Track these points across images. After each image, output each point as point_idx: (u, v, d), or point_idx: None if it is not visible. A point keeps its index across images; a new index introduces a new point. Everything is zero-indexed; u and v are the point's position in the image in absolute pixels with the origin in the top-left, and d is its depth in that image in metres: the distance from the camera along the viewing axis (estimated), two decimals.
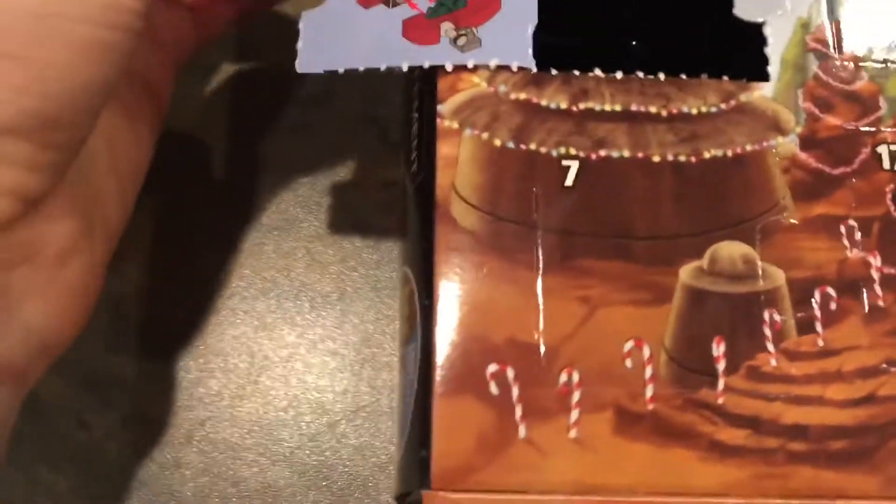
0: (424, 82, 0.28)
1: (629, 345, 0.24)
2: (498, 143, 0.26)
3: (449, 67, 0.26)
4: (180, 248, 0.33)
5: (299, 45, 0.26)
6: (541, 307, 0.25)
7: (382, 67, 0.26)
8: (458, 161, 0.26)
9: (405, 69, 0.26)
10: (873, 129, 0.27)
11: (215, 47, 0.35)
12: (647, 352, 0.24)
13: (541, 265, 0.25)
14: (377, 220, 0.34)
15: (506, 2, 0.27)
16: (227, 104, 0.36)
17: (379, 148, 0.35)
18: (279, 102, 0.36)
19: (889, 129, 0.27)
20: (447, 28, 0.27)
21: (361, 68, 0.26)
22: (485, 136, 0.26)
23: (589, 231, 0.26)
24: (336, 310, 0.33)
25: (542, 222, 0.25)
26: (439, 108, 0.26)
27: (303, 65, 0.26)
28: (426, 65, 0.26)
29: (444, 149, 0.26)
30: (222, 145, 0.34)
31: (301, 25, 0.27)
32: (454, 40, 0.27)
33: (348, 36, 0.27)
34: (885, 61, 0.28)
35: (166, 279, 0.33)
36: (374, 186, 0.34)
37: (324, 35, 0.27)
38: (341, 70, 0.26)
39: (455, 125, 0.26)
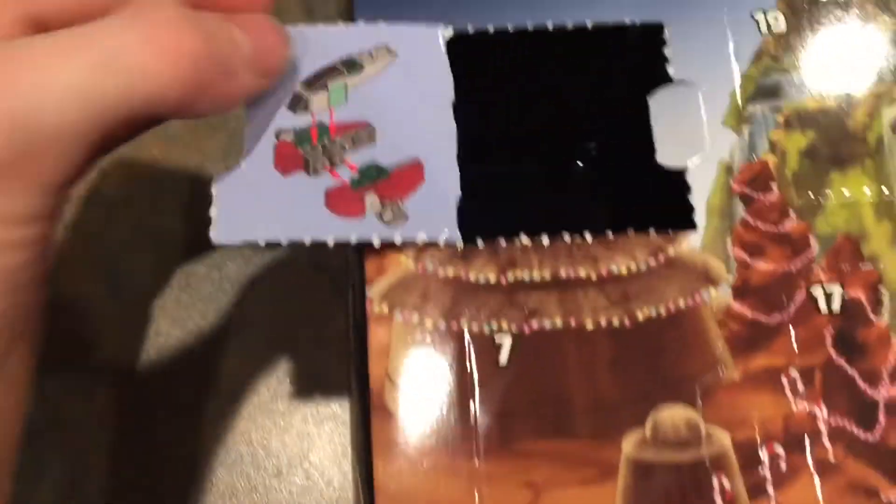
0: (354, 256, 0.27)
1: None
2: (429, 325, 0.26)
3: (376, 243, 0.26)
4: (140, 422, 0.33)
5: (212, 212, 0.25)
6: (482, 499, 0.24)
7: (307, 241, 0.26)
8: (391, 347, 0.26)
9: (331, 244, 0.26)
10: (806, 270, 0.27)
11: (165, 213, 0.35)
12: None
13: (481, 452, 0.25)
14: (336, 373, 0.34)
15: (429, 173, 0.27)
16: (179, 264, 0.36)
17: (330, 297, 0.35)
18: (226, 258, 0.36)
19: (822, 270, 0.26)
20: (372, 201, 0.27)
21: (284, 241, 0.26)
22: (415, 318, 0.26)
23: (528, 410, 0.25)
24: (300, 474, 0.32)
25: (479, 406, 0.25)
26: (368, 292, 0.26)
27: (219, 235, 0.26)
28: (353, 240, 0.26)
29: (375, 335, 0.26)
30: (177, 311, 0.34)
31: (214, 191, 0.25)
32: (380, 214, 0.26)
33: (267, 204, 0.26)
34: (814, 197, 0.27)
35: (127, 456, 0.33)
36: (330, 338, 0.34)
37: (240, 202, 0.26)
38: (262, 242, 0.26)
39: (385, 309, 0.26)
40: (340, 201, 0.26)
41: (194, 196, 0.37)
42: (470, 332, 0.26)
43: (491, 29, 0.29)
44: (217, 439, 0.33)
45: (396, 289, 0.26)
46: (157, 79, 0.20)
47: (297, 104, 0.27)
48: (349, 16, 0.29)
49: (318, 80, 0.27)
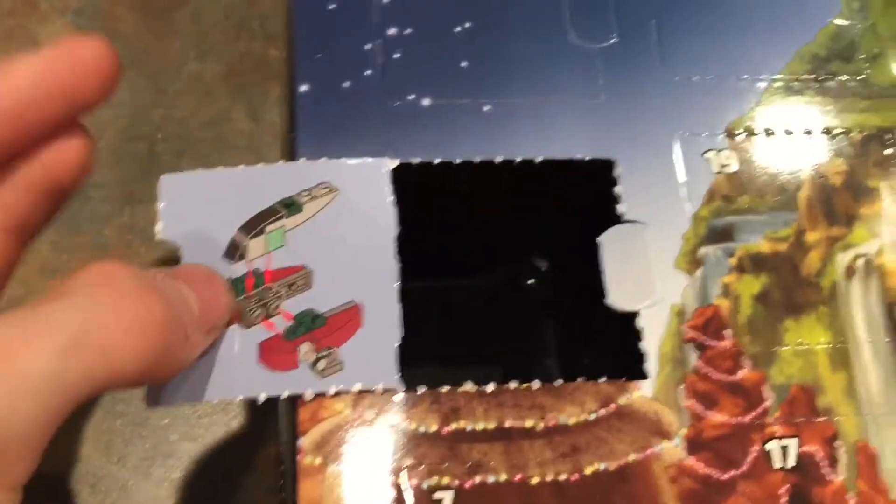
0: (286, 406, 0.26)
1: None
2: (366, 479, 0.24)
3: (309, 396, 0.25)
4: None
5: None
6: None
7: (238, 399, 0.25)
8: (323, 503, 0.24)
9: (261, 401, 0.24)
10: (760, 423, 0.25)
11: None
12: None
13: None
14: None
15: (368, 318, 0.26)
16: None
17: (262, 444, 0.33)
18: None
19: (777, 423, 0.25)
20: (306, 350, 0.25)
21: (215, 400, 0.25)
22: (351, 472, 0.24)
23: None
24: None
25: None
26: (300, 441, 0.24)
27: (152, 399, 0.24)
28: (284, 394, 0.24)
29: (306, 490, 0.24)
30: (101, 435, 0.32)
31: None
32: (314, 363, 0.25)
33: (200, 363, 0.25)
34: (768, 345, 0.26)
35: None
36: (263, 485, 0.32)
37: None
38: (194, 402, 0.25)
39: (318, 461, 0.24)
40: (274, 354, 0.25)
41: None
42: (409, 486, 0.24)
43: (436, 161, 0.28)
44: None
45: (331, 438, 0.24)
46: (125, 354, 0.19)
47: (234, 253, 0.25)
48: (291, 120, 0.28)
49: (257, 225, 0.26)
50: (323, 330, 0.25)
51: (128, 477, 0.32)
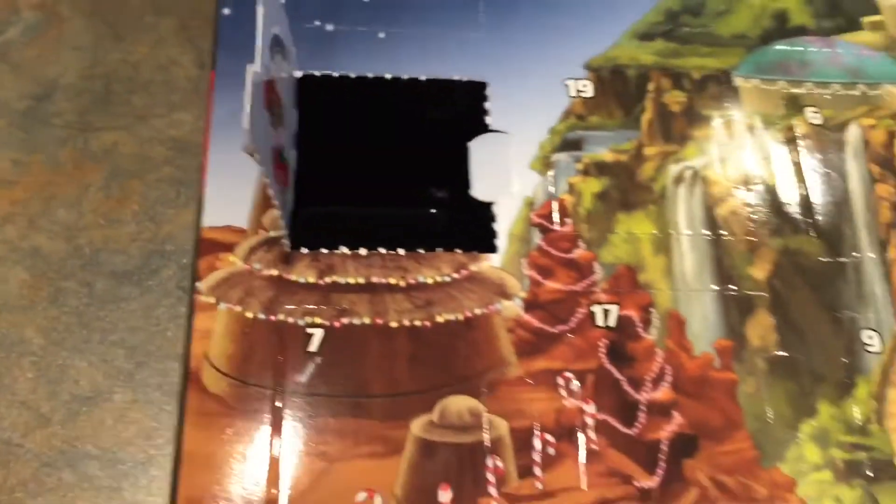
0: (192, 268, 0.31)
1: (362, 495, 0.27)
2: (250, 314, 0.29)
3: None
4: None
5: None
6: (280, 464, 0.27)
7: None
8: (213, 333, 0.29)
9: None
10: (589, 291, 0.31)
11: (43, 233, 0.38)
12: (378, 501, 0.27)
13: (282, 425, 0.27)
14: None
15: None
16: (51, 280, 0.38)
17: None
18: (96, 275, 0.38)
19: (603, 292, 0.30)
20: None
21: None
22: (238, 308, 0.29)
23: (329, 392, 0.28)
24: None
25: (287, 386, 0.28)
26: (198, 285, 0.29)
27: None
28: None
29: (199, 322, 0.29)
30: (44, 322, 0.37)
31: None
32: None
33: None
34: (602, 232, 0.32)
35: None
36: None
37: None
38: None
39: (211, 300, 0.29)
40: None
41: (72, 220, 0.39)
42: (286, 322, 0.29)
43: (335, 74, 0.33)
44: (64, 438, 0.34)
45: (224, 283, 0.29)
46: None
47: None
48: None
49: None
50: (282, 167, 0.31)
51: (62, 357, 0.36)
